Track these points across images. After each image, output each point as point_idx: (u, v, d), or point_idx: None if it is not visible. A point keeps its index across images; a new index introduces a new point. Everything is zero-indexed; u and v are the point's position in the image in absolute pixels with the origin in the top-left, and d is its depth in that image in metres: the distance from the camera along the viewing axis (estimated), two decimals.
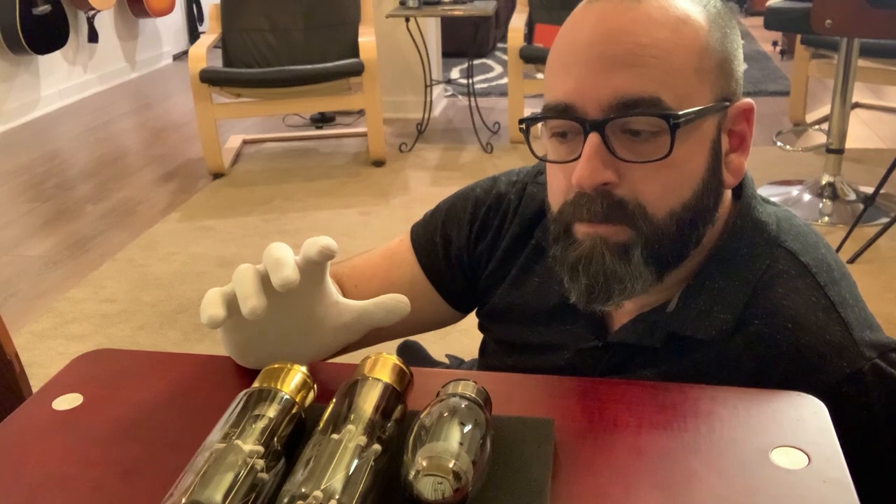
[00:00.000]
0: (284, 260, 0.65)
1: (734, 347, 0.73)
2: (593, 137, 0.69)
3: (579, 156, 0.69)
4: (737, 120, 0.74)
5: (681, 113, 0.68)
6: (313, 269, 0.69)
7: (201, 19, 6.55)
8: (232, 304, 0.68)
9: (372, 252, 0.99)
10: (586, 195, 0.70)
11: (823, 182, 3.10)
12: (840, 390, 0.68)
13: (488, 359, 0.95)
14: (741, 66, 0.75)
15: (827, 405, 0.65)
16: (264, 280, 0.67)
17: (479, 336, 0.97)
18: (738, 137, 0.75)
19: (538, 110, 0.74)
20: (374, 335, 0.84)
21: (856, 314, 0.73)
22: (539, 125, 0.75)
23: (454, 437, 0.55)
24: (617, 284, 0.71)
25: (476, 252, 0.92)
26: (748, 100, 0.74)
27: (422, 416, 0.58)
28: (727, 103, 0.72)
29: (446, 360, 1.23)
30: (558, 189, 0.74)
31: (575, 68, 0.70)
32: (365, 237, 3.01)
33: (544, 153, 0.76)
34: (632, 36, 0.68)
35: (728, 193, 0.77)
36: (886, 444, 0.71)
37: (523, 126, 0.76)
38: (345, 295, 0.94)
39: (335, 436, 0.55)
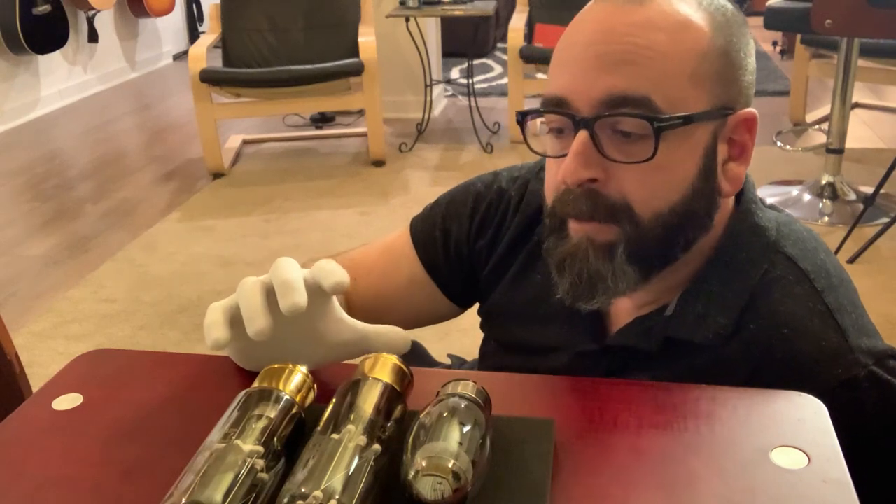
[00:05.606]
0: (293, 283, 0.64)
1: (730, 352, 0.73)
2: (582, 134, 0.69)
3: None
4: (738, 129, 0.73)
5: (666, 116, 0.68)
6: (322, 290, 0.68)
7: (201, 19, 6.55)
8: (235, 316, 0.67)
9: (370, 245, 0.98)
10: (571, 191, 0.71)
11: (823, 182, 3.10)
12: (834, 396, 0.67)
13: (487, 359, 0.95)
14: (749, 75, 0.73)
15: None
16: (270, 296, 0.66)
17: (480, 336, 0.96)
18: (738, 147, 0.74)
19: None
20: None
21: (853, 321, 0.72)
22: (538, 121, 0.76)
23: (454, 437, 0.55)
24: (600, 283, 0.72)
25: (476, 248, 0.92)
26: (751, 109, 0.73)
27: (421, 416, 0.58)
28: (728, 111, 0.71)
29: (447, 361, 1.23)
30: (552, 183, 0.75)
31: (571, 64, 0.71)
32: (365, 237, 3.01)
33: (544, 149, 0.76)
34: (628, 37, 0.68)
35: (728, 200, 0.77)
36: (882, 451, 0.70)
37: (520, 118, 0.76)
38: None
39: (335, 436, 0.55)
